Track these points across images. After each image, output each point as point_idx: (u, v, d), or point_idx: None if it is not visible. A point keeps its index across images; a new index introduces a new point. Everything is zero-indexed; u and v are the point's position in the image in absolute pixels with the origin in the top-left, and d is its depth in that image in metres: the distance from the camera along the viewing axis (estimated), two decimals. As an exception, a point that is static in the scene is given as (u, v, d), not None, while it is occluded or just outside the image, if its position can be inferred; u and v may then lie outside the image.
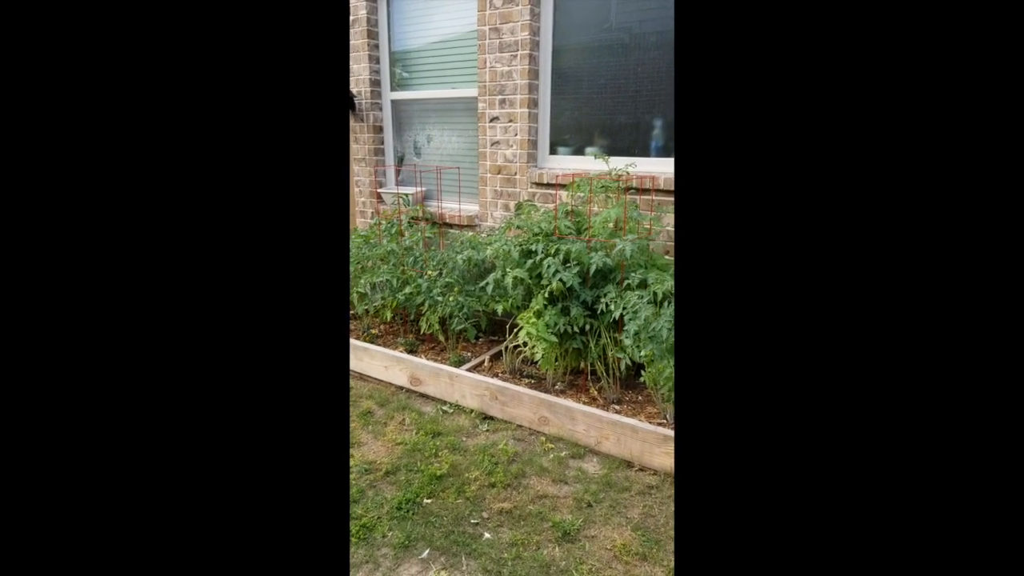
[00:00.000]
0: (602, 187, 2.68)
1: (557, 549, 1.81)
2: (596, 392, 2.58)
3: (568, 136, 3.31)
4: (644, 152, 3.07)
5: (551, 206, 3.09)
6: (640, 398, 2.58)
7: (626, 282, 2.24)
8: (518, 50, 3.16)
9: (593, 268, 2.29)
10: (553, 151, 3.35)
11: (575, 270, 2.35)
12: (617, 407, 2.48)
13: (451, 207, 3.73)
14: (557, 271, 2.35)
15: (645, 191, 2.87)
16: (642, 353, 2.08)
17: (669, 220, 2.83)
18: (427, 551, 1.81)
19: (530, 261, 2.50)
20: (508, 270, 2.53)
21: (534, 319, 2.41)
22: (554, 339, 2.37)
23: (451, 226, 3.65)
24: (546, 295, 2.40)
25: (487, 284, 2.63)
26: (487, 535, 1.87)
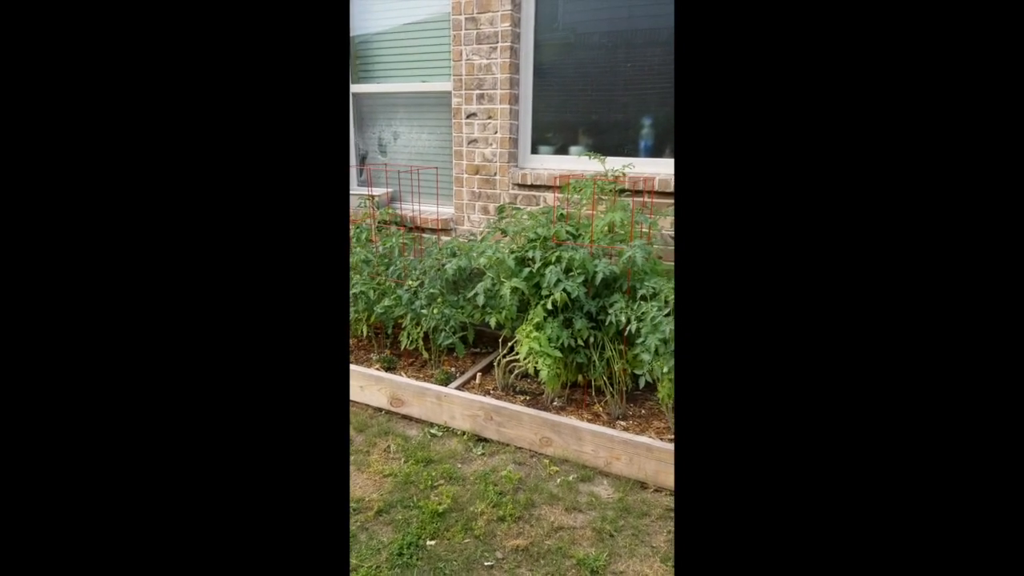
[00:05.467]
0: (598, 189, 2.53)
1: (588, 592, 1.63)
2: (600, 407, 2.43)
3: (551, 135, 3.14)
4: (633, 152, 2.94)
5: (535, 208, 2.90)
6: (643, 411, 2.45)
7: (640, 292, 2.09)
8: (498, 42, 2.95)
9: (599, 277, 2.13)
10: (535, 150, 3.17)
11: (580, 279, 2.18)
12: (623, 423, 2.33)
13: (423, 209, 3.48)
14: (560, 280, 2.17)
15: (638, 192, 2.75)
16: (665, 369, 1.94)
17: (664, 224, 2.72)
18: (443, 606, 1.58)
19: (527, 270, 2.31)
20: (503, 279, 2.33)
21: (535, 332, 2.22)
22: (559, 354, 2.19)
23: (423, 230, 3.39)
24: (548, 306, 2.21)
25: (476, 295, 2.41)
26: (508, 581, 1.67)
